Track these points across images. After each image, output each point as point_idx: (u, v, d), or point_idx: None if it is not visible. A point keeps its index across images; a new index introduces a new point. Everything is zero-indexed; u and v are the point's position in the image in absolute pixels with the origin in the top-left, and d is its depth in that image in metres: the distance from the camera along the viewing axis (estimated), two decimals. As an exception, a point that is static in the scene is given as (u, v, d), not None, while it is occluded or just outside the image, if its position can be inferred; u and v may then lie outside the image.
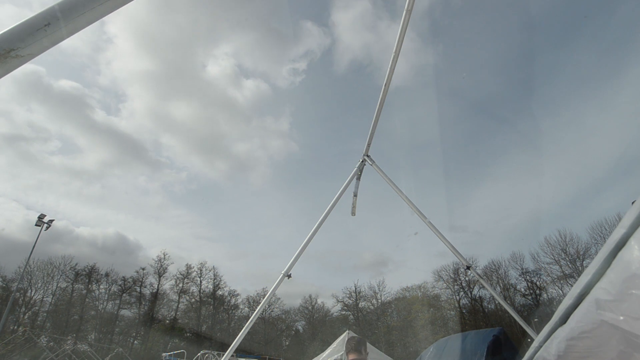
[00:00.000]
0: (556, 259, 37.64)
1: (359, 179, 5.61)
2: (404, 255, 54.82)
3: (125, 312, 44.66)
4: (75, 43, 50.12)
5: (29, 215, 50.14)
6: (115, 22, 49.89)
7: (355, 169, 5.57)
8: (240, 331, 3.52)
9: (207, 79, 56.42)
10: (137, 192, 58.81)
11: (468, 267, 3.55)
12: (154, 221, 59.90)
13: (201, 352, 25.39)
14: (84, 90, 54.63)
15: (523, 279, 40.37)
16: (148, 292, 45.94)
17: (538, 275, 39.59)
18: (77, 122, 52.46)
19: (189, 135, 57.95)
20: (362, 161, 5.54)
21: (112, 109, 57.83)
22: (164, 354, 32.29)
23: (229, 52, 56.21)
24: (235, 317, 48.24)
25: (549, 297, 37.88)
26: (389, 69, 3.00)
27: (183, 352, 27.13)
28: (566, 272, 36.39)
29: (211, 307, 47.09)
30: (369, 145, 3.82)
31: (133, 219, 58.86)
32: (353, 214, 6.43)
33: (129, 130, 57.15)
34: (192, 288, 47.78)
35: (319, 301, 50.15)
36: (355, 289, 48.76)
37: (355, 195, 5.98)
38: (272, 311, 48.03)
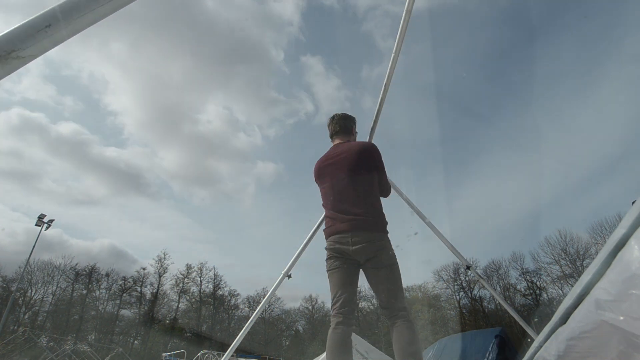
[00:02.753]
0: (556, 259, 37.67)
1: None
2: (403, 256, 54.82)
3: (125, 312, 44.72)
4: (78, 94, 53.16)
5: (13, 217, 50.33)
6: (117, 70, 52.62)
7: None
8: (240, 331, 3.52)
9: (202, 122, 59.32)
10: (134, 215, 60.28)
11: (468, 267, 3.53)
12: (147, 228, 60.50)
13: (201, 352, 25.37)
14: (87, 134, 57.38)
15: (523, 279, 40.42)
16: (148, 292, 46.00)
17: (538, 275, 39.62)
18: (80, 159, 54.15)
19: (186, 169, 60.48)
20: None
21: (114, 145, 60.11)
22: (164, 354, 32.26)
23: (221, 103, 60.59)
24: (235, 317, 48.26)
25: (549, 297, 37.88)
26: (388, 70, 3.00)
27: (183, 352, 27.09)
28: (566, 272, 36.41)
29: (211, 307, 47.10)
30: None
31: (128, 233, 59.86)
32: None
33: (129, 166, 59.11)
34: (192, 288, 47.85)
35: (319, 301, 50.23)
36: (355, 289, 48.74)
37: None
38: (272, 311, 48.05)
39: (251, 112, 62.20)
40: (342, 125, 2.79)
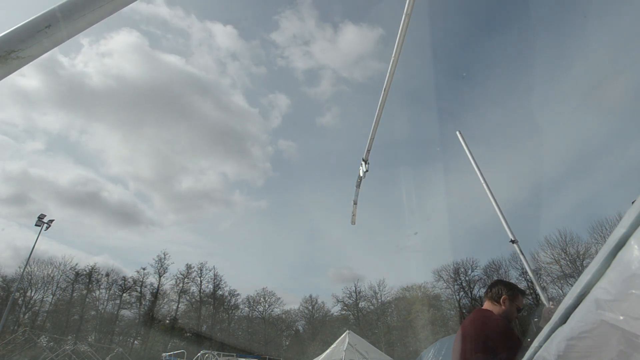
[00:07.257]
0: (556, 259, 37.69)
1: (358, 186, 5.42)
2: (403, 255, 55.17)
3: (125, 312, 44.69)
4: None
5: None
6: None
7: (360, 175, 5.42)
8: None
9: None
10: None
11: (513, 242, 3.51)
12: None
13: (201, 352, 25.38)
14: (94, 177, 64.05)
15: (523, 279, 40.41)
16: (148, 292, 45.96)
17: (538, 275, 39.62)
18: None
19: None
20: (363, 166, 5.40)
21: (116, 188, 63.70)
22: (164, 354, 32.26)
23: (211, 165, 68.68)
24: (235, 317, 48.21)
25: (549, 297, 37.91)
26: (388, 74, 3.00)
27: (183, 352, 27.10)
28: (566, 272, 36.44)
29: (211, 307, 47.06)
30: (368, 151, 3.79)
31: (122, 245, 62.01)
32: (353, 222, 6.17)
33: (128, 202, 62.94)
34: (192, 288, 47.83)
35: (319, 301, 50.23)
36: (355, 288, 48.83)
37: (355, 204, 5.79)
38: (272, 311, 48.07)
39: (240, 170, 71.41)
40: (488, 290, 2.51)
